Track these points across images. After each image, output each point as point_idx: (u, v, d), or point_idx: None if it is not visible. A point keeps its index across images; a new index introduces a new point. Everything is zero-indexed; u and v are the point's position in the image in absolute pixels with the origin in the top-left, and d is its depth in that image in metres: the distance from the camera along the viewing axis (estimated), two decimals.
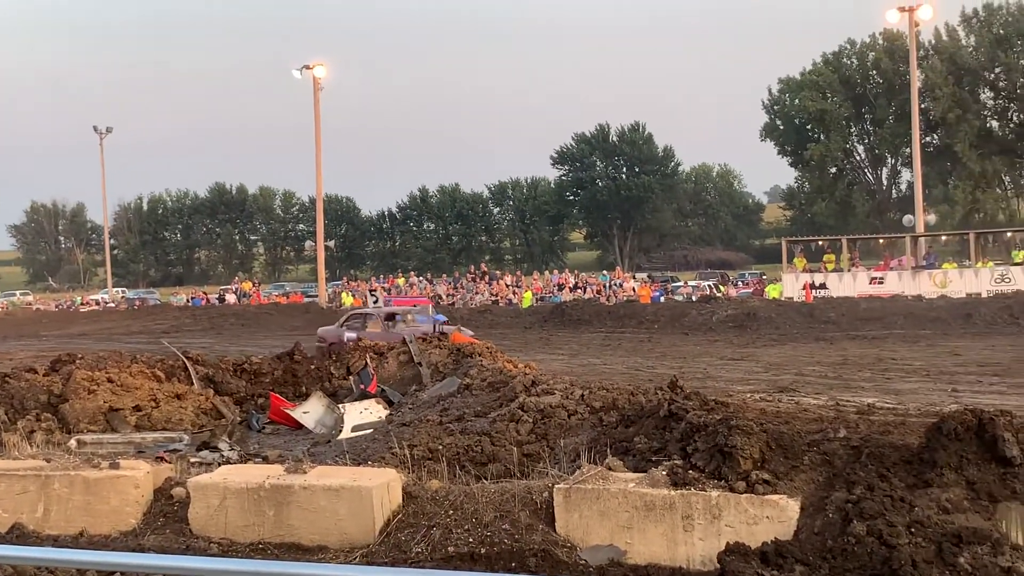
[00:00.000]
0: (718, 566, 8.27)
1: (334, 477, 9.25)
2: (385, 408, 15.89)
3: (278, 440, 15.25)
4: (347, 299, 53.31)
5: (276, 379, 18.82)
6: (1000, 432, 8.18)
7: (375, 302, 33.72)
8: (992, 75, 78.89)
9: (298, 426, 16.13)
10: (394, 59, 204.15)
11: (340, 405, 16.12)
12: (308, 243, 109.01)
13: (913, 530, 7.66)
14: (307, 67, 55.80)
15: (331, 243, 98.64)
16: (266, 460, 11.54)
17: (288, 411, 16.45)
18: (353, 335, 26.10)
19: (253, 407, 17.45)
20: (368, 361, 18.50)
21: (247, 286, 66.39)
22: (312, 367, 19.20)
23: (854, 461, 8.66)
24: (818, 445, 9.15)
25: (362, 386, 17.21)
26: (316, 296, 57.84)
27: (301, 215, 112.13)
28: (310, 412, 16.31)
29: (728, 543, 8.32)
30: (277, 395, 17.36)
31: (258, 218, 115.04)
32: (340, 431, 14.84)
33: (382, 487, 8.95)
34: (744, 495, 8.52)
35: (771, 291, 45.70)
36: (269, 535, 8.93)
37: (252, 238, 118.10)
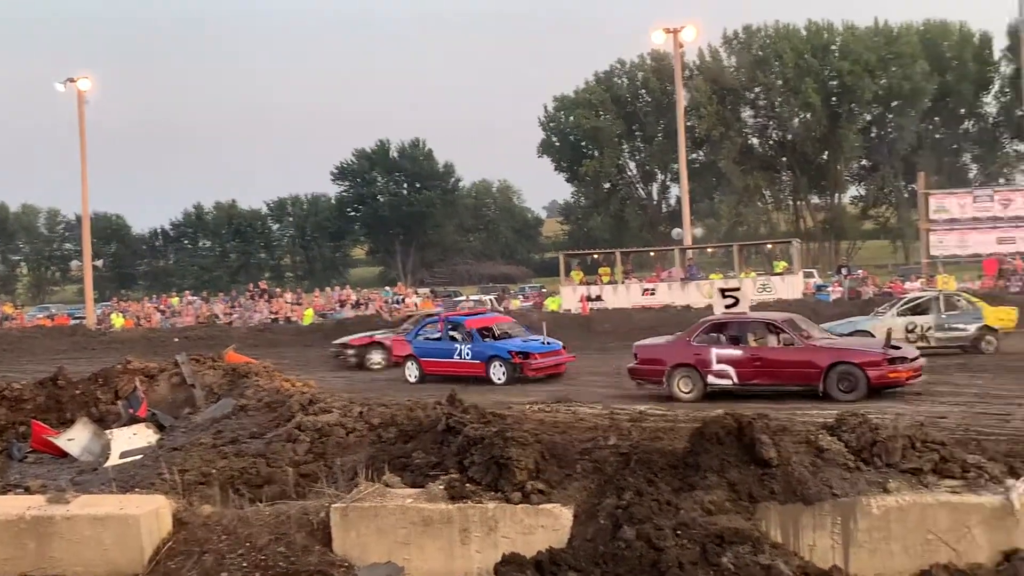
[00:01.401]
0: None
1: (99, 506, 8.88)
2: (156, 432, 15.32)
3: (41, 469, 14.49)
4: (117, 320, 51.25)
5: (39, 406, 17.84)
6: (758, 435, 8.57)
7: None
8: (752, 94, 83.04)
9: (63, 454, 15.37)
10: (165, 72, 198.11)
11: (108, 431, 15.45)
12: (75, 263, 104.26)
13: (679, 532, 7.93)
14: (71, 80, 53.49)
15: (99, 263, 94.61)
16: (27, 491, 10.92)
17: (51, 439, 15.65)
18: None
19: (14, 436, 16.52)
20: (137, 384, 17.81)
21: (8, 308, 62.96)
22: (78, 392, 18.34)
23: (624, 467, 8.91)
24: (590, 453, 9.38)
25: (131, 410, 16.53)
26: (83, 318, 55.36)
27: (67, 234, 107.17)
28: (75, 439, 15.56)
29: (504, 554, 8.42)
30: (39, 422, 16.49)
31: (20, 237, 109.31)
32: (107, 458, 14.22)
33: (150, 514, 8.64)
34: (520, 505, 8.63)
35: (550, 304, 46.58)
36: (31, 568, 8.50)
37: (14, 258, 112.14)
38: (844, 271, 54.46)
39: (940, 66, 78.58)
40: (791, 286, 42.32)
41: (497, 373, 24.46)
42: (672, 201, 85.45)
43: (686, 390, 20.03)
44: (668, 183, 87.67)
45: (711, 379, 19.89)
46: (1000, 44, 79.58)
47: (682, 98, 54.56)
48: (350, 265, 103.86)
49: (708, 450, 8.73)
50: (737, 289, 22.11)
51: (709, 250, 58.05)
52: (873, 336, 27.16)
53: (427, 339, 26.21)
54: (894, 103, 79.02)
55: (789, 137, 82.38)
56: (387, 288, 60.97)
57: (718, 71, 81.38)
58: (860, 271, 54.64)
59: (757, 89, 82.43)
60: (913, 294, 31.52)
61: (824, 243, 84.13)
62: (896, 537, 7.93)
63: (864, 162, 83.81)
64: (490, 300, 52.32)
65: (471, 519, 8.56)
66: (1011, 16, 62.51)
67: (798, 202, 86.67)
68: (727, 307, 20.98)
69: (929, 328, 27.21)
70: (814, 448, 8.62)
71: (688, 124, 66.92)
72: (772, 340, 19.87)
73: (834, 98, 79.68)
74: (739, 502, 8.35)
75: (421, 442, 10.60)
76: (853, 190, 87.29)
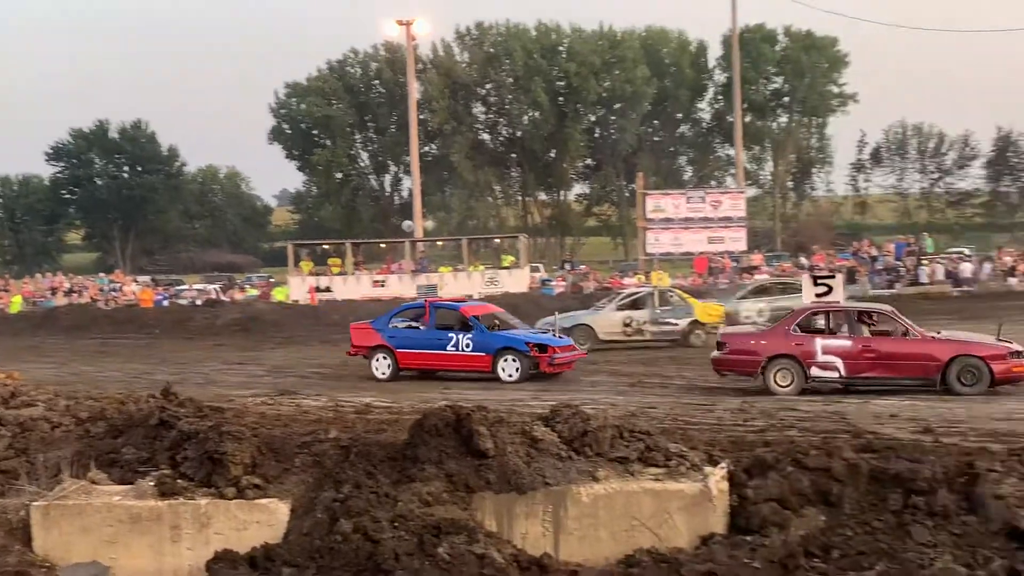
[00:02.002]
0: (207, 575, 8.15)
1: None
2: None
3: None
4: None
5: None
6: (476, 427, 8.72)
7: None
8: (484, 91, 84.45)
9: None
10: None
11: None
12: None
13: (396, 524, 7.97)
14: None
15: None
16: None
17: None
18: None
19: None
20: None
21: None
22: None
23: (343, 461, 8.87)
24: (309, 447, 9.28)
25: None
26: None
27: None
28: None
29: (217, 551, 8.23)
30: None
31: None
32: None
33: None
34: (234, 501, 8.45)
35: (277, 294, 45.79)
36: None
37: None
38: (568, 266, 56.31)
39: (659, 71, 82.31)
40: (518, 280, 43.31)
41: (509, 368, 21.24)
42: (404, 193, 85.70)
43: (784, 383, 18.58)
44: (401, 175, 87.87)
45: (815, 371, 18.55)
46: (715, 53, 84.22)
47: (415, 91, 54.82)
48: (64, 250, 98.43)
49: (427, 442, 8.81)
50: (831, 276, 20.37)
51: (439, 243, 58.62)
52: (593, 329, 28.26)
53: (406, 327, 22.71)
54: (616, 105, 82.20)
55: (519, 134, 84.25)
56: (103, 275, 58.15)
57: (450, 66, 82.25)
58: (583, 266, 56.59)
59: (488, 86, 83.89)
60: (631, 290, 32.87)
61: (550, 238, 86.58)
62: (604, 524, 8.25)
63: (589, 161, 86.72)
64: (215, 289, 50.88)
65: (182, 516, 8.32)
66: (725, 27, 66.23)
67: (526, 198, 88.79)
68: (818, 295, 19.32)
69: (645, 322, 28.39)
70: (529, 439, 8.85)
71: (421, 117, 67.38)
72: (866, 331, 18.92)
73: (561, 98, 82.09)
74: (456, 493, 8.47)
75: (132, 437, 10.19)
76: (578, 188, 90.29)
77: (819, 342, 18.53)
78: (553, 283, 46.21)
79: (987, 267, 45.37)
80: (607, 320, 28.54)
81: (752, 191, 77.38)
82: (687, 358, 24.96)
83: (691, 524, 8.28)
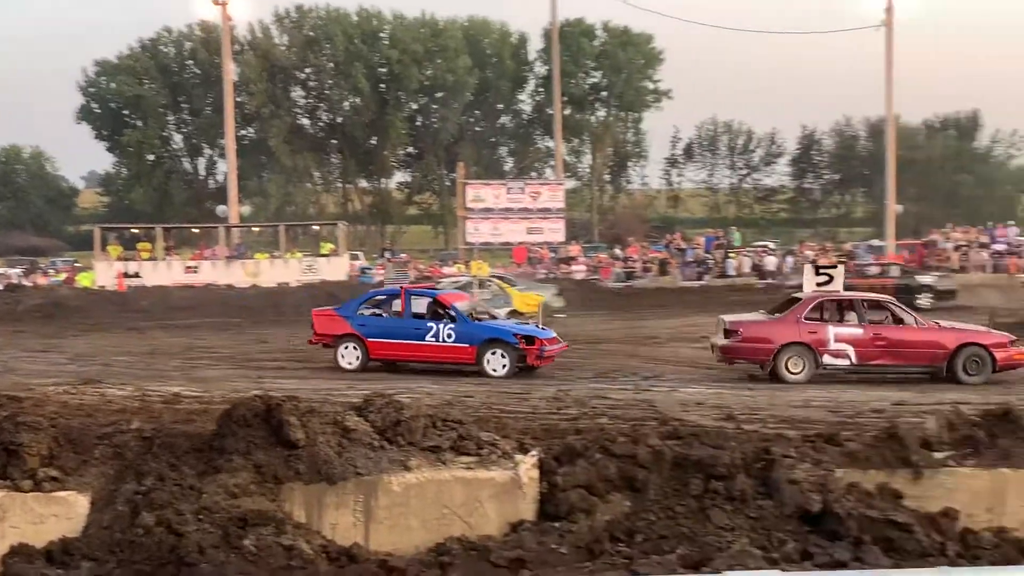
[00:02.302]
0: (1, 569, 7.80)
1: None
2: None
3: None
4: None
5: None
6: (286, 417, 8.60)
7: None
8: (303, 74, 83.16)
9: None
10: None
11: None
12: None
13: (201, 517, 7.79)
14: None
15: None
16: None
17: None
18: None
19: None
20: None
21: None
22: None
23: (146, 452, 8.62)
24: (111, 438, 8.98)
25: None
26: None
27: None
28: None
29: (13, 545, 7.90)
30: None
31: None
32: None
33: None
34: (31, 494, 8.13)
35: (83, 279, 44.11)
36: None
37: None
38: (388, 254, 56.13)
39: (481, 62, 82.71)
40: (336, 268, 42.90)
41: (495, 362, 20.06)
42: (220, 177, 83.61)
43: (795, 370, 18.62)
44: (216, 159, 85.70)
45: (827, 359, 18.71)
46: (535, 46, 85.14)
47: (231, 72, 53.56)
48: None
49: (235, 433, 8.65)
50: (833, 267, 20.58)
51: (256, 229, 57.52)
52: None
53: (378, 315, 21.36)
54: (438, 94, 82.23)
55: (339, 120, 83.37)
56: None
57: (269, 48, 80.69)
58: (403, 254, 56.51)
59: (308, 70, 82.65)
60: (450, 279, 33.00)
61: (371, 226, 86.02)
62: (415, 512, 8.26)
63: (410, 149, 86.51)
64: (16, 274, 48.66)
65: None
66: (546, 20, 67.09)
67: (347, 185, 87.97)
68: (819, 284, 19.54)
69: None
70: (341, 428, 8.78)
71: (237, 100, 65.82)
72: (878, 320, 19.11)
73: (383, 85, 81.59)
74: (265, 484, 8.34)
75: None
76: (399, 176, 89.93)
77: (832, 330, 18.76)
78: (373, 271, 45.99)
79: (790, 260, 47.35)
80: None
81: (571, 183, 78.66)
82: None
83: (501, 511, 8.37)
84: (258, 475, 8.32)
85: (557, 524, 8.23)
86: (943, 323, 19.88)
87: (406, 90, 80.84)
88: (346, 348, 20.83)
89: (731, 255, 46.70)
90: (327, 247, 46.93)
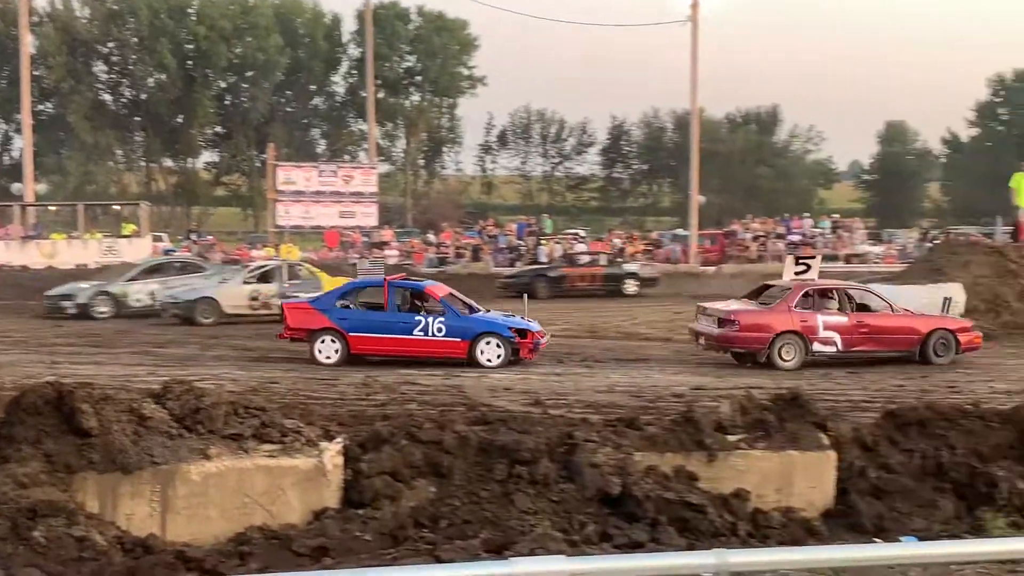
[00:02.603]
0: None
1: None
2: None
3: None
4: None
5: None
6: (78, 404, 8.26)
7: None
8: (106, 49, 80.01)
9: None
10: None
11: None
12: None
13: None
14: None
15: None
16: None
17: None
18: None
19: None
20: None
21: None
22: None
23: None
24: None
25: None
26: None
27: None
28: None
29: None
30: None
31: None
32: None
33: None
34: None
35: None
36: None
37: None
38: (194, 236, 54.63)
39: (293, 41, 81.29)
40: (138, 249, 41.37)
41: (490, 354, 19.31)
42: (15, 154, 79.64)
43: (788, 358, 18.93)
44: (11, 134, 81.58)
45: (816, 346, 19.10)
46: (349, 27, 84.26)
47: (28, 45, 51.02)
48: None
49: (24, 421, 8.27)
50: (812, 257, 21.46)
51: (53, 208, 55.03)
52: (218, 302, 27.55)
53: (360, 308, 20.28)
54: (248, 73, 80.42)
55: (143, 97, 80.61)
56: None
57: (69, 20, 77.28)
58: (210, 237, 55.11)
59: (111, 44, 79.59)
60: (259, 262, 32.35)
61: (176, 207, 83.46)
62: (215, 502, 8.08)
63: (219, 129, 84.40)
64: None
65: None
66: (360, 1, 66.45)
67: (151, 164, 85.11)
68: (797, 273, 20.19)
69: (273, 296, 28.02)
70: (138, 416, 8.49)
71: (35, 73, 62.80)
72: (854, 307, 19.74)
73: (190, 62, 79.28)
74: (56, 474, 8.01)
75: None
76: (207, 156, 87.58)
77: (820, 318, 19.25)
78: (177, 253, 44.66)
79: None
80: (233, 293, 27.94)
81: (384, 167, 78.23)
82: None
83: (305, 500, 8.27)
84: (48, 464, 7.97)
85: (361, 511, 8.19)
86: (913, 311, 20.63)
87: (214, 68, 78.77)
88: (323, 342, 19.69)
89: (543, 242, 47.33)
90: (129, 228, 45.31)
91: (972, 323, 20.61)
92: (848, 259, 47.35)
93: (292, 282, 28.37)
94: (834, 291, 20.15)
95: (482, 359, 19.25)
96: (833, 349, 19.35)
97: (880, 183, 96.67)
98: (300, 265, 30.50)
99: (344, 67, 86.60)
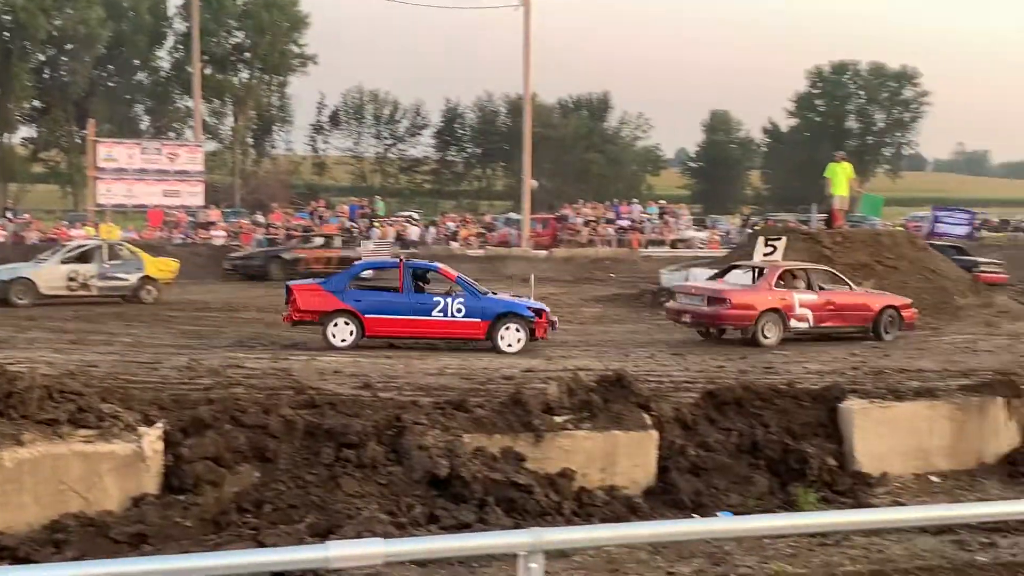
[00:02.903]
0: None
1: None
2: None
3: None
4: None
5: None
6: None
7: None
8: None
9: None
10: None
11: None
12: None
13: None
14: None
15: None
16: None
17: None
18: None
19: None
20: None
21: None
22: None
23: None
24: None
25: None
26: None
27: None
28: None
29: None
30: None
31: None
32: None
33: None
34: None
35: None
36: None
37: None
38: (9, 215, 52.35)
39: (116, 14, 78.47)
40: None
41: (510, 337, 19.01)
42: None
43: (769, 335, 19.93)
44: None
45: (793, 323, 20.17)
46: (175, 1, 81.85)
47: None
48: None
49: None
50: (778, 239, 22.59)
51: None
52: (35, 283, 26.46)
53: (375, 289, 19.78)
54: (68, 46, 77.30)
55: None
56: None
57: None
58: (26, 215, 52.90)
59: None
60: (77, 242, 31.21)
61: None
62: (28, 489, 7.77)
63: (36, 103, 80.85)
64: None
65: None
66: None
67: None
68: (765, 255, 21.57)
69: (92, 276, 27.15)
70: None
71: None
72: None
73: (6, 33, 75.66)
74: None
75: None
76: (24, 131, 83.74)
77: (796, 296, 20.36)
78: None
79: (432, 231, 48.42)
80: (50, 274, 26.93)
81: (211, 145, 76.39)
82: (135, 314, 24.24)
83: (123, 486, 8.01)
84: None
85: (182, 497, 7.99)
86: (868, 290, 22.16)
87: (32, 40, 75.32)
88: (336, 325, 19.09)
89: (375, 224, 47.10)
90: None
91: (911, 300, 22.16)
92: (674, 244, 48.69)
93: (112, 263, 27.56)
94: (803, 271, 21.26)
95: (502, 344, 19.05)
96: (806, 325, 20.50)
97: (705, 171, 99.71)
98: (121, 245, 29.58)
99: (170, 42, 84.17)
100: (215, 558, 4.40)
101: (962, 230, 38.11)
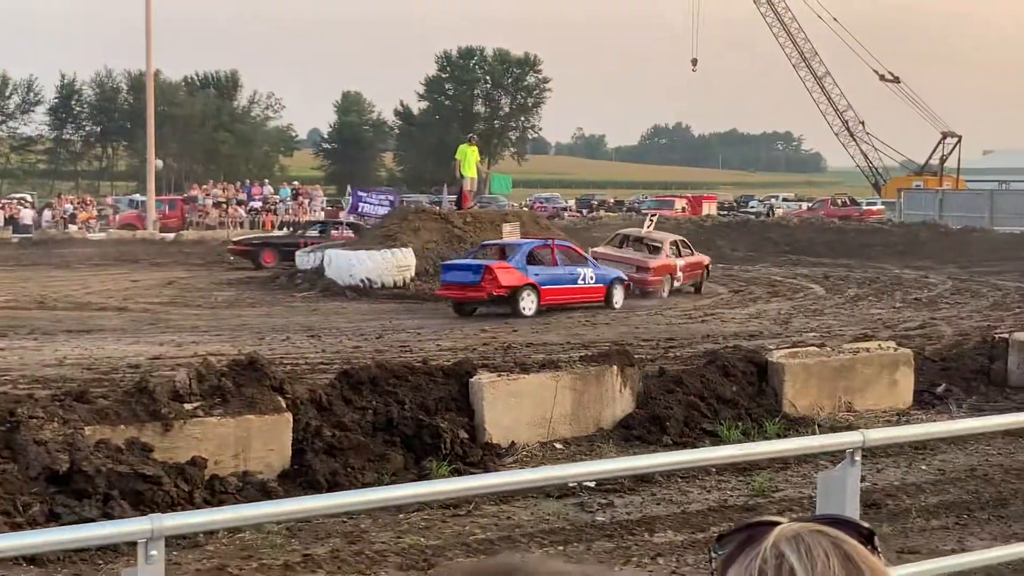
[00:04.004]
0: None
1: None
2: None
3: None
4: None
5: None
6: None
7: None
8: None
9: None
10: None
11: None
12: None
13: None
14: None
15: None
16: None
17: None
18: None
19: None
20: None
21: None
22: None
23: None
24: None
25: None
26: None
27: None
28: None
29: None
30: None
31: None
32: None
33: None
34: None
35: None
36: None
37: None
38: None
39: None
40: None
41: (618, 296, 23.53)
42: None
43: (666, 293, 25.18)
44: None
45: (676, 283, 25.60)
46: None
47: None
48: None
49: None
50: (655, 215, 31.55)
51: None
52: None
53: (542, 265, 22.82)
54: None
55: None
56: None
57: None
58: None
59: None
60: None
61: None
62: None
63: None
64: None
65: None
66: None
67: None
68: (648, 228, 27.63)
69: None
70: None
71: None
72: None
73: None
74: None
75: None
76: None
77: (678, 261, 25.86)
78: None
79: (48, 214, 45.46)
80: None
81: None
82: None
83: None
84: None
85: None
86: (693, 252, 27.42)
87: None
88: (524, 297, 21.87)
89: None
90: None
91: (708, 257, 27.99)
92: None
93: None
94: (678, 242, 26.81)
95: (615, 302, 23.28)
96: (678, 284, 25.71)
97: (338, 152, 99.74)
98: None
99: None
100: None
101: (384, 211, 38.12)
